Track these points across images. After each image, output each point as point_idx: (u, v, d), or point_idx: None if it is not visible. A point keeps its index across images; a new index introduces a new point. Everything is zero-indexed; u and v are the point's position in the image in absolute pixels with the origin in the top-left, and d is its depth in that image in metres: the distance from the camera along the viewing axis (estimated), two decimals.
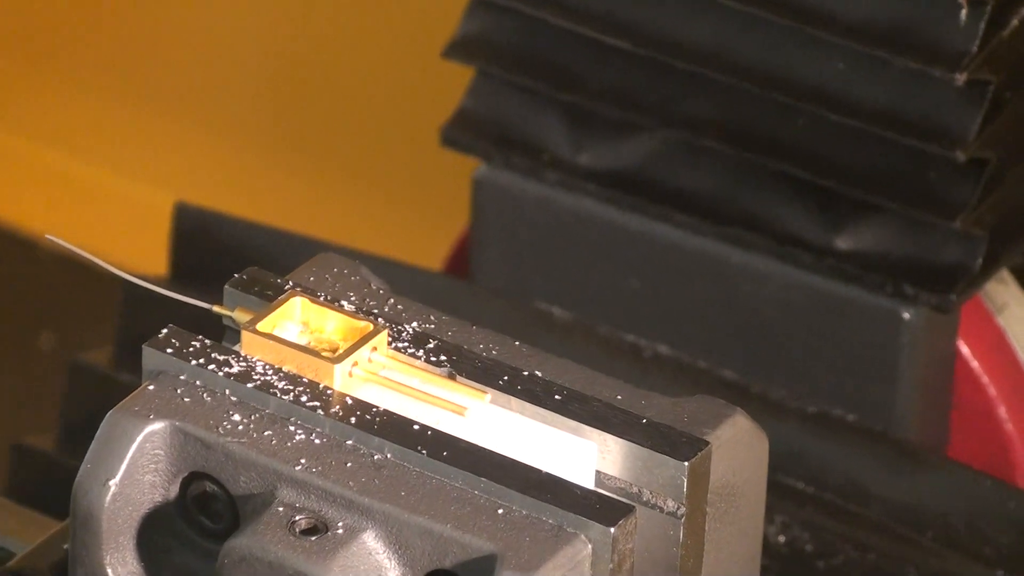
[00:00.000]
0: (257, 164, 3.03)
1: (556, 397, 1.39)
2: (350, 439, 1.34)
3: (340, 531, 1.30)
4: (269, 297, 1.44)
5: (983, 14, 1.88)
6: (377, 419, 1.35)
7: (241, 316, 1.41)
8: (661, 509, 1.35)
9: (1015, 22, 1.96)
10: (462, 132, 2.09)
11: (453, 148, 2.09)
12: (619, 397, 1.41)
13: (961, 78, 1.87)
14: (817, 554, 1.88)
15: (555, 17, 2.06)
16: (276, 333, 1.40)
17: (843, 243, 1.90)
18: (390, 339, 1.41)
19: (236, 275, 1.47)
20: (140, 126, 3.09)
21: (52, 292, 2.62)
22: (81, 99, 3.19)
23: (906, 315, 1.88)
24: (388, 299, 1.49)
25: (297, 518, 1.30)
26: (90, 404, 1.77)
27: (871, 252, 1.92)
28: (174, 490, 1.36)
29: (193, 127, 3.06)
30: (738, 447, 1.42)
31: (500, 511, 1.31)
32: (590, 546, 1.29)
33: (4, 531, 1.78)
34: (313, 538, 1.29)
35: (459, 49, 2.10)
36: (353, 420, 1.34)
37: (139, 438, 1.33)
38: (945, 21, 1.90)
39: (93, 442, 1.35)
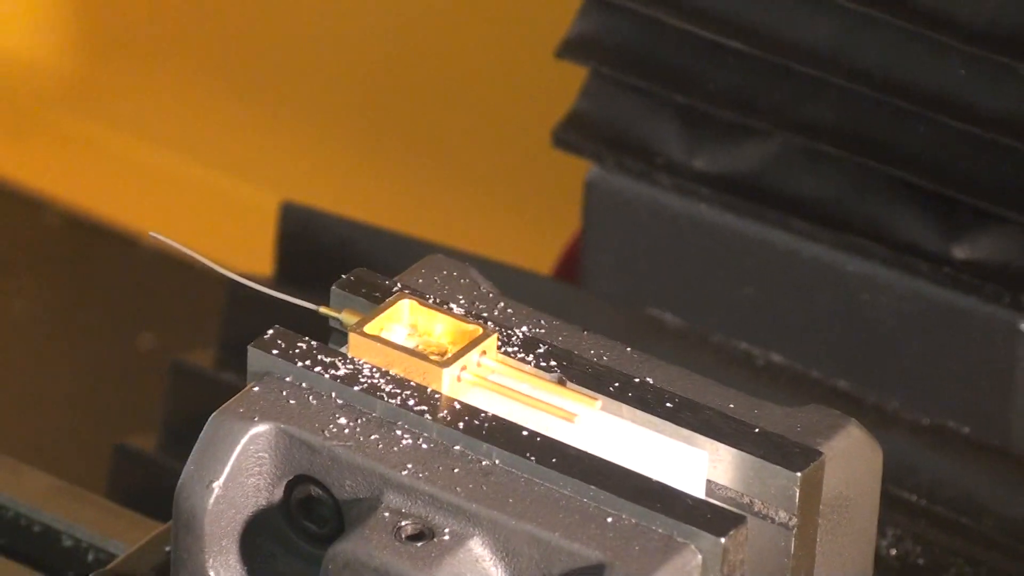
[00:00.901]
0: (365, 165, 3.02)
1: (667, 404, 1.38)
2: (458, 444, 1.34)
3: (447, 537, 1.29)
4: (377, 299, 1.44)
5: None
6: (485, 424, 1.35)
7: (348, 318, 1.40)
8: (772, 520, 1.34)
9: None
10: (575, 134, 2.07)
11: (565, 150, 2.07)
12: (731, 406, 1.39)
13: None
14: (929, 568, 1.86)
15: (670, 17, 2.05)
16: (384, 336, 1.39)
17: (961, 252, 1.88)
18: (499, 343, 1.40)
19: (343, 276, 1.47)
20: (247, 125, 3.08)
21: (154, 292, 2.61)
22: (187, 98, 3.18)
23: (1023, 326, 1.89)
24: (497, 302, 1.48)
25: (403, 523, 1.29)
26: (192, 405, 1.79)
27: (989, 262, 1.90)
28: (278, 493, 1.36)
29: (301, 127, 3.06)
30: (851, 458, 1.41)
31: (609, 519, 1.29)
32: (700, 556, 1.27)
33: (106, 533, 1.78)
34: (419, 544, 1.28)
35: (573, 48, 2.09)
36: (461, 425, 1.34)
37: (243, 440, 1.34)
38: None
39: (196, 444, 1.35)
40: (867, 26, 2.03)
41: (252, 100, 3.17)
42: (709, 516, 1.28)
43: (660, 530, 1.28)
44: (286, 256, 2.13)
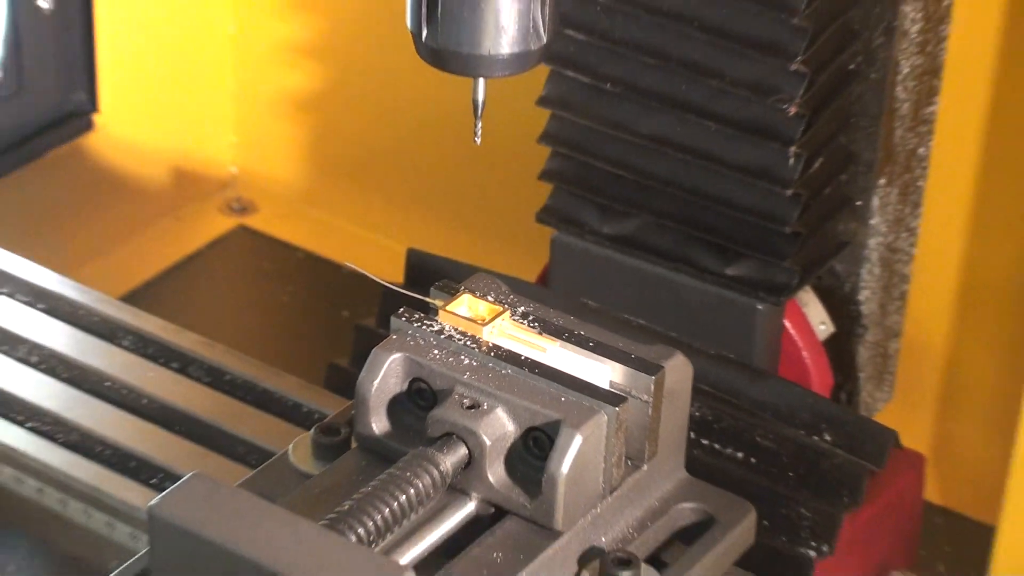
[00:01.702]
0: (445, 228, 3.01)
1: (590, 344, 1.90)
2: (489, 363, 1.87)
3: (485, 407, 1.82)
4: (452, 294, 1.95)
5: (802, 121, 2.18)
6: (503, 353, 1.88)
7: (439, 304, 1.93)
8: (640, 399, 1.87)
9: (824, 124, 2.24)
10: (547, 217, 2.44)
11: (543, 223, 2.46)
12: (620, 345, 1.90)
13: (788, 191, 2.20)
14: (713, 420, 2.26)
15: (597, 161, 2.35)
16: (455, 311, 1.92)
17: (731, 271, 2.33)
18: (511, 315, 1.94)
19: (436, 283, 1.96)
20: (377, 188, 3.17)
21: (349, 291, 2.82)
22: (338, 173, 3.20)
23: (760, 307, 2.28)
24: (509, 295, 1.97)
25: (465, 401, 1.83)
26: (365, 348, 1.97)
27: (744, 276, 2.32)
28: (404, 386, 1.90)
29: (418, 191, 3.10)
30: (677, 369, 1.89)
31: (563, 398, 1.82)
32: (606, 416, 1.80)
33: (325, 406, 2.10)
34: (472, 410, 1.82)
35: (546, 174, 2.42)
36: (491, 354, 1.88)
37: (388, 361, 1.88)
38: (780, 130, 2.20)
39: (366, 364, 1.88)
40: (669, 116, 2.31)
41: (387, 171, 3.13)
42: (611, 397, 1.83)
43: (587, 404, 1.81)
44: (410, 282, 2.34)
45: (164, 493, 1.66)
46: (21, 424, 1.99)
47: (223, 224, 3.02)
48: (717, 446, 2.21)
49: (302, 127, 3.01)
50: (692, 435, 2.01)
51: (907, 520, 2.20)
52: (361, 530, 1.71)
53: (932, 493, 2.38)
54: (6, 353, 2.08)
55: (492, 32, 1.68)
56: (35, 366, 2.07)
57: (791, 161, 2.14)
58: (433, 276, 2.06)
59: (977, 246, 2.42)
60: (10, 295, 2.14)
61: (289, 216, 3.05)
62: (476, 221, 2.77)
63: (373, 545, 1.72)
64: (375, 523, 1.73)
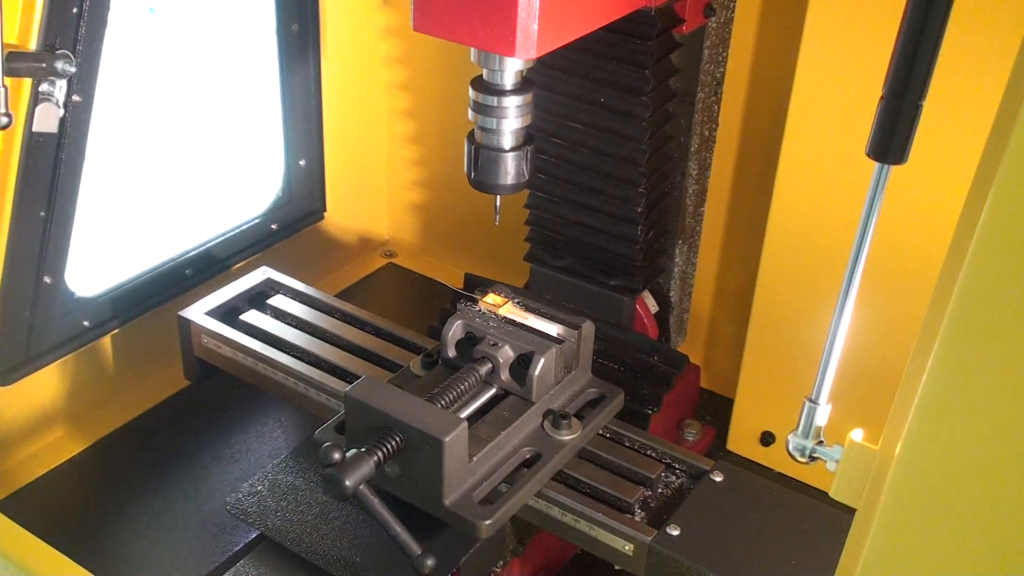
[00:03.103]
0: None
1: (548, 315, 1.76)
2: (502, 324, 1.75)
3: (500, 345, 1.71)
4: (485, 293, 1.82)
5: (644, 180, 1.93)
6: (508, 320, 1.76)
7: (479, 297, 1.81)
8: (571, 341, 1.74)
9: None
10: (528, 257, 2.13)
11: (527, 261, 2.15)
12: (562, 316, 1.76)
13: (638, 246, 1.97)
14: (604, 350, 2.01)
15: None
16: (486, 301, 1.80)
17: (613, 283, 2.04)
18: (512, 303, 1.80)
19: (478, 288, 1.83)
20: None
21: (443, 292, 2.43)
22: None
23: (626, 299, 2.04)
24: (512, 294, 1.82)
25: (491, 342, 1.71)
26: (448, 315, 1.77)
27: (618, 285, 2.05)
28: (463, 335, 1.76)
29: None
30: (588, 328, 1.76)
31: (535, 340, 1.70)
32: (555, 348, 1.69)
33: (427, 344, 1.88)
34: (494, 346, 1.70)
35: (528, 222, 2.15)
36: (503, 320, 1.76)
37: (456, 324, 1.75)
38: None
39: (445, 325, 1.74)
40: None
41: None
42: (557, 340, 1.72)
43: (546, 343, 1.69)
44: (467, 286, 2.09)
45: (352, 385, 1.62)
46: (287, 352, 1.93)
47: (382, 261, 2.88)
48: (605, 361, 2.05)
49: (414, 207, 2.87)
50: (594, 357, 1.85)
51: (692, 395, 2.12)
52: (443, 402, 1.67)
53: (703, 382, 2.28)
54: (281, 320, 2.03)
55: (503, 176, 1.64)
56: (294, 327, 2.01)
57: (639, 240, 2.01)
58: (478, 285, 1.94)
59: (723, 273, 2.31)
60: (283, 295, 2.09)
61: (413, 259, 2.89)
62: (496, 257, 2.59)
63: (449, 409, 1.67)
64: (449, 399, 1.68)
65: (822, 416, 1.12)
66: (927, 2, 0.93)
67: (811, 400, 1.12)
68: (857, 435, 1.05)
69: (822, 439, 1.15)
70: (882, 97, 0.98)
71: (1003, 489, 0.87)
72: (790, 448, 1.14)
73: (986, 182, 0.83)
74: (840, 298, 1.07)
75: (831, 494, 1.05)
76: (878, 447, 1.01)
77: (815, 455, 1.14)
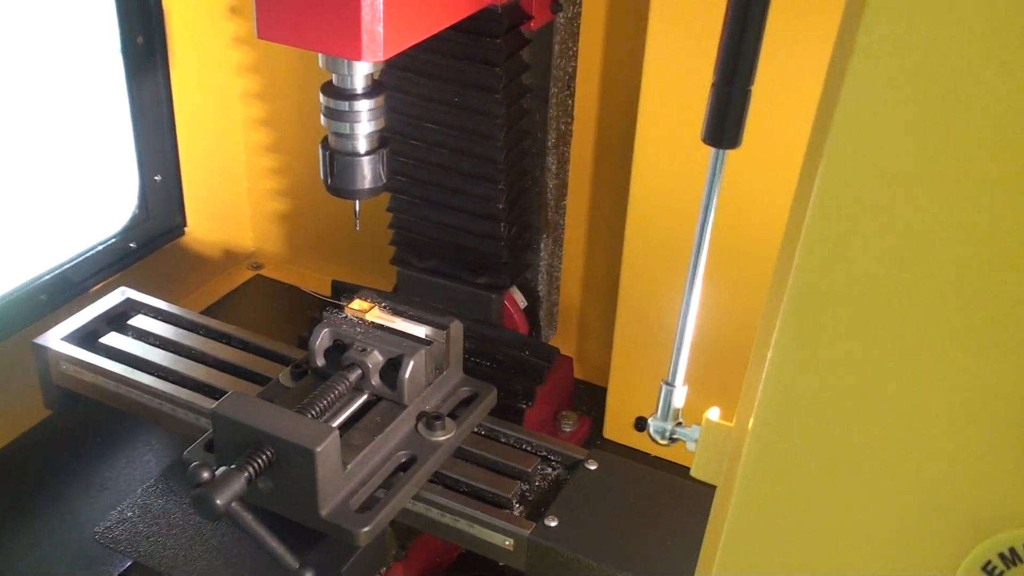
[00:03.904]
0: None
1: (416, 318, 1.77)
2: (369, 330, 1.73)
3: (368, 351, 1.69)
4: (351, 299, 1.80)
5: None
6: (375, 325, 1.74)
7: (345, 304, 1.79)
8: (440, 342, 1.74)
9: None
10: (395, 260, 2.12)
11: (393, 264, 2.13)
12: (430, 317, 1.76)
13: (502, 243, 1.97)
14: (474, 348, 2.03)
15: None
16: (353, 307, 1.78)
17: (479, 280, 2.05)
18: (379, 307, 1.78)
19: (344, 295, 1.80)
20: None
21: (311, 301, 2.40)
22: None
23: (493, 296, 2.06)
24: (379, 298, 1.80)
25: (359, 347, 1.69)
26: (315, 323, 1.74)
27: (485, 283, 2.05)
28: (331, 343, 1.74)
29: None
30: (456, 328, 1.76)
31: (403, 343, 1.70)
32: (424, 350, 1.69)
33: (296, 355, 1.83)
34: (363, 352, 1.68)
35: (391, 225, 2.11)
36: (370, 326, 1.74)
37: (323, 332, 1.73)
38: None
39: (312, 334, 1.71)
40: None
41: None
42: (425, 342, 1.72)
43: (414, 345, 1.69)
44: (335, 293, 2.14)
45: (219, 400, 1.60)
46: (150, 373, 1.89)
47: (249, 274, 2.85)
48: (477, 359, 2.06)
49: (278, 216, 2.84)
50: (466, 356, 1.86)
51: (566, 387, 2.14)
52: (313, 411, 1.66)
53: (577, 373, 2.31)
54: (143, 340, 1.99)
55: (360, 181, 1.64)
56: (157, 347, 1.98)
57: (503, 237, 2.01)
58: (345, 291, 1.92)
59: (589, 265, 2.33)
60: (144, 315, 2.04)
61: (281, 269, 2.86)
62: (363, 262, 2.58)
63: (320, 419, 1.65)
64: (319, 408, 1.67)
65: (679, 398, 1.14)
66: None
67: (667, 383, 1.14)
68: (713, 414, 1.08)
69: (680, 420, 1.17)
70: (713, 84, 1.01)
71: (849, 456, 0.91)
72: (651, 431, 1.16)
73: (814, 162, 0.86)
74: (688, 282, 1.10)
75: (692, 473, 1.07)
76: (732, 424, 1.04)
77: (675, 436, 1.16)
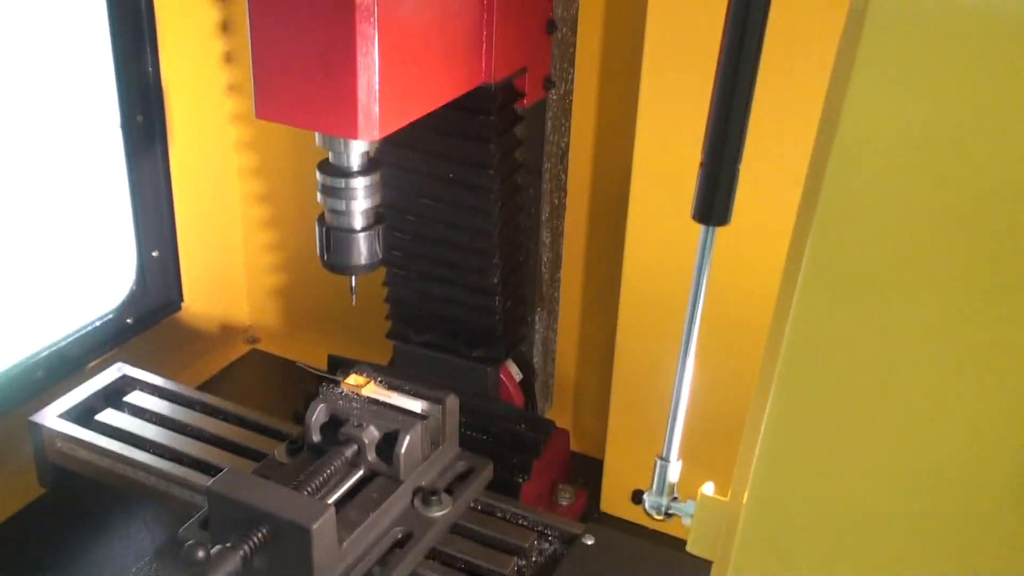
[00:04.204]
0: None
1: (412, 392, 1.76)
2: (365, 405, 1.72)
3: (364, 426, 1.69)
4: (347, 374, 1.79)
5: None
6: (371, 400, 1.74)
7: (342, 379, 1.79)
8: (436, 417, 1.74)
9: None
10: (390, 334, 2.13)
11: (389, 339, 2.15)
12: (426, 391, 1.74)
13: (497, 317, 1.97)
14: (470, 421, 2.00)
15: None
16: (349, 382, 1.78)
17: (475, 354, 2.04)
18: (375, 382, 1.79)
19: (340, 370, 1.80)
20: None
21: (306, 377, 2.31)
22: None
23: (489, 369, 2.05)
24: (374, 373, 1.81)
25: (355, 423, 1.69)
26: (312, 397, 1.75)
27: (481, 356, 2.05)
28: (327, 418, 1.73)
29: None
30: (452, 401, 1.75)
31: (399, 418, 1.69)
32: (420, 425, 1.70)
33: (292, 429, 1.87)
34: (359, 427, 1.69)
35: (387, 299, 2.26)
36: (366, 401, 1.74)
37: (319, 407, 1.72)
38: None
39: (308, 409, 1.71)
40: None
41: None
42: (421, 416, 1.71)
43: (410, 420, 1.68)
44: (331, 367, 2.11)
45: (215, 478, 1.59)
46: (146, 450, 1.89)
47: (245, 348, 2.85)
48: (473, 433, 2.06)
49: (275, 291, 2.83)
50: (462, 429, 1.86)
51: (563, 460, 2.13)
52: (309, 488, 1.65)
53: (573, 446, 2.29)
54: (139, 417, 1.99)
55: (356, 256, 1.65)
56: (153, 423, 1.97)
57: (498, 310, 2.02)
58: (341, 366, 1.93)
59: (584, 337, 2.32)
60: (141, 391, 2.04)
61: (277, 343, 2.85)
62: (360, 337, 2.55)
63: (316, 496, 1.65)
64: (315, 484, 1.67)
65: (674, 473, 1.15)
66: (734, 71, 0.97)
67: (662, 458, 1.15)
68: (708, 489, 1.09)
69: (676, 495, 1.17)
70: (701, 164, 1.03)
71: (845, 532, 0.92)
72: (647, 507, 1.17)
73: (801, 242, 0.89)
74: (680, 356, 1.11)
75: (688, 548, 1.08)
76: (727, 498, 1.04)
77: (671, 511, 1.16)
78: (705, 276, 1.08)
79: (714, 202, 1.03)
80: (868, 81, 0.78)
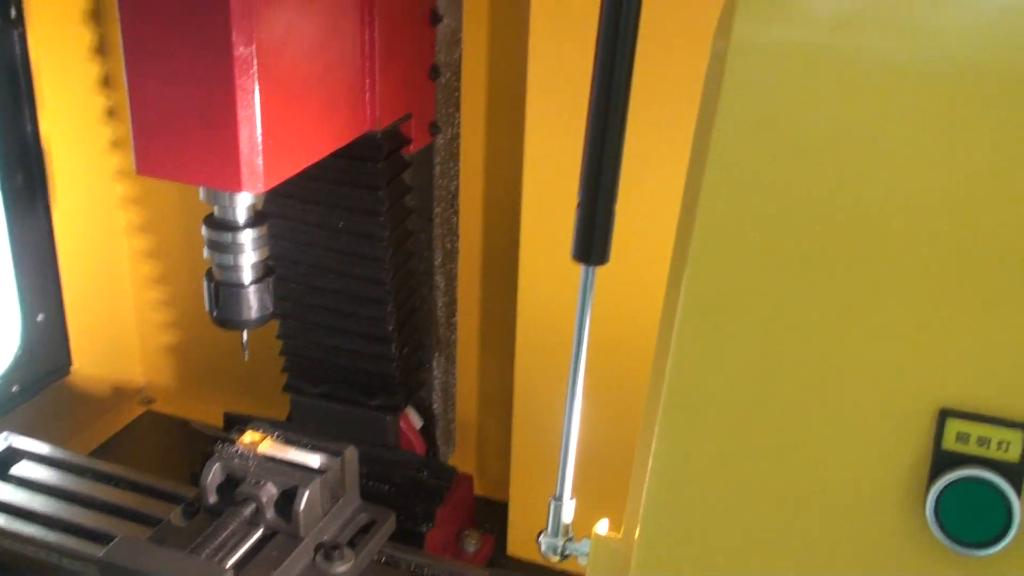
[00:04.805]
0: None
1: (310, 447, 1.74)
2: (262, 462, 1.72)
3: (262, 483, 1.66)
4: (243, 431, 1.78)
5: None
6: (269, 457, 1.73)
7: (236, 437, 1.77)
8: (335, 470, 1.70)
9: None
10: (287, 388, 2.14)
11: (286, 392, 2.14)
12: (324, 445, 1.74)
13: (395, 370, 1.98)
14: (370, 472, 1.99)
15: None
16: (245, 440, 1.77)
17: (373, 403, 2.03)
18: (272, 438, 1.77)
19: (236, 427, 1.79)
20: None
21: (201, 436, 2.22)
22: None
23: (388, 418, 2.03)
24: (271, 429, 1.79)
25: (252, 481, 1.66)
26: (207, 456, 1.72)
27: (380, 404, 2.04)
28: (223, 478, 1.71)
29: None
30: (351, 453, 1.74)
31: (297, 474, 1.67)
32: (318, 480, 1.67)
33: (188, 493, 1.83)
34: (256, 485, 1.65)
35: (282, 351, 2.15)
36: (263, 457, 1.73)
37: (214, 467, 1.70)
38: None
39: (203, 470, 1.70)
40: None
41: None
42: (318, 472, 1.69)
43: (308, 476, 1.66)
44: (227, 424, 2.12)
45: (107, 547, 1.58)
46: (35, 522, 1.85)
47: (140, 410, 2.79)
48: (376, 483, 2.03)
49: (169, 349, 2.78)
50: (364, 480, 1.87)
51: (467, 505, 2.12)
52: (207, 551, 1.63)
53: (478, 490, 2.28)
54: (27, 488, 1.95)
55: (246, 311, 1.65)
56: (42, 494, 1.94)
57: (395, 357, 2.03)
58: (238, 423, 1.93)
59: (483, 380, 2.31)
60: (28, 460, 2.00)
61: (173, 403, 2.80)
62: (257, 391, 2.50)
63: (214, 559, 1.63)
64: (213, 547, 1.65)
65: (568, 513, 1.15)
66: (604, 112, 0.99)
67: (555, 498, 1.15)
68: (602, 527, 1.10)
69: (571, 535, 1.17)
70: (578, 204, 1.04)
71: (734, 554, 0.95)
72: (543, 549, 1.17)
73: (677, 280, 0.93)
74: (568, 396, 1.12)
75: None
76: (620, 536, 1.05)
77: (567, 552, 1.16)
78: (588, 315, 1.09)
79: (592, 242, 1.04)
80: (731, 123, 0.82)
